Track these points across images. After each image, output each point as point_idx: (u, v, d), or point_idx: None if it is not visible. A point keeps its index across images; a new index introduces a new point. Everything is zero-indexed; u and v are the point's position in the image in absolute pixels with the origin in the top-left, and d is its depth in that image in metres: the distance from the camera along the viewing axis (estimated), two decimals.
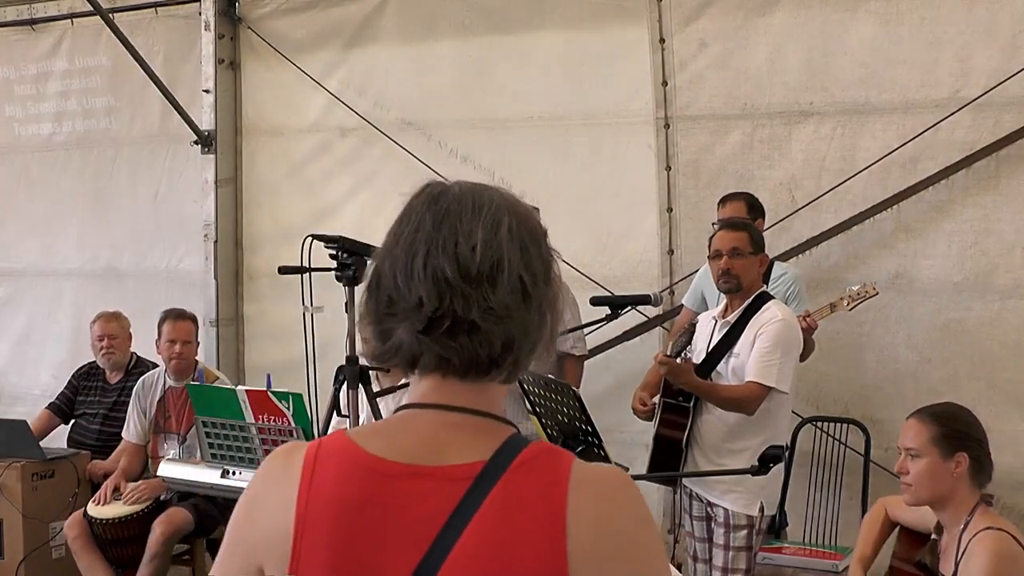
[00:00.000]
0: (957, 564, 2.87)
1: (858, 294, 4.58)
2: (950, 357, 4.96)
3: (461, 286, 1.24)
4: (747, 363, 3.97)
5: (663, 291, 5.43)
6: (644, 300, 4.41)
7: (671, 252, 5.56)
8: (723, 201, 4.89)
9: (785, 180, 5.28)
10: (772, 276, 4.73)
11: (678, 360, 3.92)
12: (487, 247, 1.26)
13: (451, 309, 1.24)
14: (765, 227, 5.21)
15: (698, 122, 5.48)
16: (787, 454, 4.17)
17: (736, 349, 4.05)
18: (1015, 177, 4.82)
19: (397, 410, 1.33)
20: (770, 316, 4.02)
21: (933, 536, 3.06)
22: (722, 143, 5.42)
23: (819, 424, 4.88)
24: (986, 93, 4.79)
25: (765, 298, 4.12)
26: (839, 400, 5.12)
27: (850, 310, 4.62)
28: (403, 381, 4.73)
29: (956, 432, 2.97)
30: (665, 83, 5.52)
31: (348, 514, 1.24)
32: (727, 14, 5.38)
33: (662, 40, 5.52)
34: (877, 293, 4.60)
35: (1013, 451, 4.58)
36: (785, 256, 5.19)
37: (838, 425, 4.87)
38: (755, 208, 4.83)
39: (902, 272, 5.05)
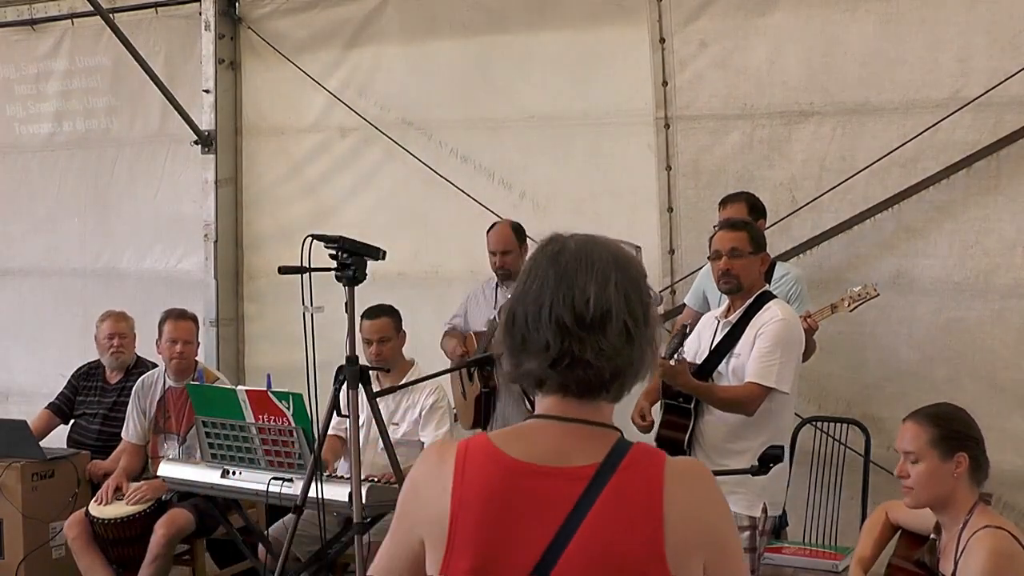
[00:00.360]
0: (956, 563, 2.87)
1: (859, 295, 4.58)
2: (951, 356, 4.96)
3: (578, 332, 1.55)
4: (747, 363, 3.96)
5: (664, 291, 5.44)
6: None
7: (672, 252, 5.56)
8: (724, 202, 4.88)
9: (785, 180, 5.28)
10: (774, 276, 4.72)
11: (672, 361, 3.89)
12: (598, 300, 1.56)
13: (570, 350, 1.56)
14: (766, 227, 5.22)
15: (698, 122, 5.48)
16: (789, 455, 4.16)
17: (737, 349, 4.04)
18: (1015, 177, 4.82)
19: (527, 419, 1.64)
20: (771, 316, 4.01)
21: (932, 536, 3.06)
22: (722, 143, 5.43)
23: (819, 424, 4.88)
24: (986, 93, 4.79)
25: (767, 298, 4.11)
26: (840, 399, 5.12)
27: (851, 311, 4.62)
28: (403, 382, 4.76)
29: (955, 433, 2.97)
30: (665, 83, 5.52)
31: (492, 504, 1.54)
32: (727, 14, 5.38)
33: (662, 40, 5.52)
34: (878, 294, 4.59)
35: (1013, 450, 4.58)
36: (786, 256, 5.19)
37: (838, 425, 4.87)
38: (756, 208, 4.82)
39: (903, 272, 5.05)
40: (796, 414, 4.96)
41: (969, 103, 4.82)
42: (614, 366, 1.57)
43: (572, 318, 1.55)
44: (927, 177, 4.96)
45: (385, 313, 4.93)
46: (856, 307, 4.59)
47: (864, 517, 4.49)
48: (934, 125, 4.89)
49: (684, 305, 5.13)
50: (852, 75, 5.13)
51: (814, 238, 5.19)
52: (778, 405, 4.00)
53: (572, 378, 1.57)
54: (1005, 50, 4.82)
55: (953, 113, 4.85)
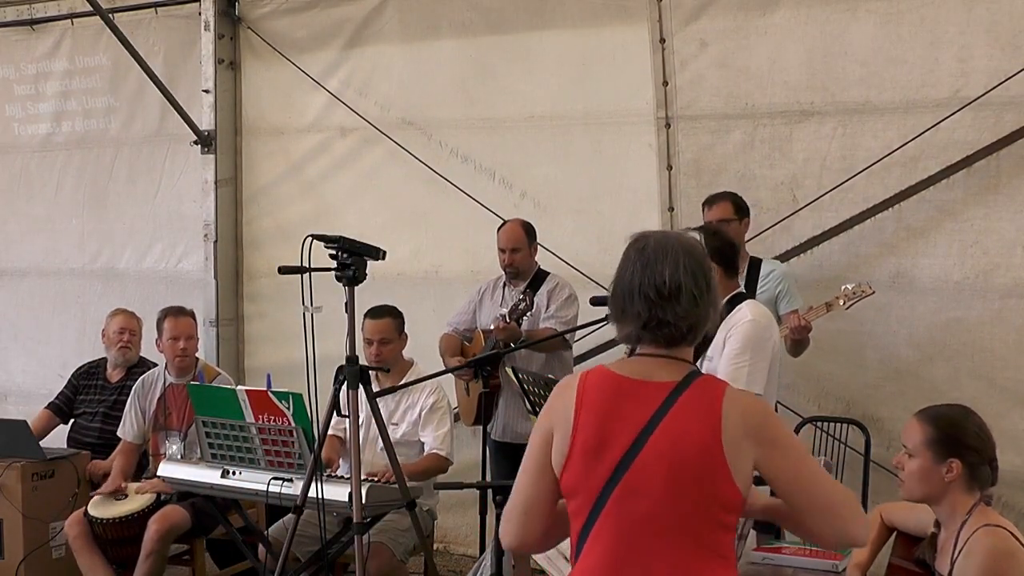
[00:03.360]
0: (953, 562, 2.87)
1: (854, 293, 4.59)
2: (951, 356, 4.96)
3: (660, 303, 2.19)
4: (718, 367, 3.95)
5: None
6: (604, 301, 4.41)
7: None
8: (708, 202, 4.90)
9: (786, 180, 5.28)
10: (761, 274, 4.73)
11: None
12: (672, 278, 2.19)
13: (656, 316, 2.20)
14: (766, 227, 5.23)
15: (699, 122, 5.48)
16: None
17: (709, 353, 4.01)
18: (1015, 177, 4.82)
19: (629, 354, 2.32)
20: (740, 317, 3.98)
21: (933, 530, 3.06)
22: (723, 143, 5.43)
23: (819, 424, 4.88)
24: (986, 93, 4.79)
25: (740, 299, 4.10)
26: (840, 399, 5.13)
27: (846, 309, 4.63)
28: (402, 382, 4.76)
29: (950, 438, 2.94)
30: (666, 83, 5.52)
31: (605, 402, 2.20)
32: (727, 14, 5.38)
33: (662, 40, 5.52)
34: (873, 292, 4.60)
35: (1013, 450, 4.57)
36: (786, 256, 5.20)
37: (838, 425, 4.87)
38: (741, 208, 4.84)
39: (903, 271, 5.06)
40: (796, 414, 4.97)
41: (969, 103, 4.82)
42: (688, 323, 2.21)
43: (655, 293, 2.19)
44: (927, 177, 4.96)
45: (388, 314, 4.91)
46: (851, 305, 4.60)
47: None
48: (934, 125, 4.89)
49: None
50: (852, 75, 5.13)
51: (815, 238, 5.19)
52: None
53: (661, 335, 2.21)
54: (1005, 50, 4.82)
55: (953, 113, 4.85)
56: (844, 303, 4.59)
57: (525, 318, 4.97)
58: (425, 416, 4.81)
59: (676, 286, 2.19)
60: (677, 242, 2.25)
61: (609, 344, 5.47)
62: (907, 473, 2.98)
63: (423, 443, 4.80)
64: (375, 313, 4.89)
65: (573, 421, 2.20)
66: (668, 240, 2.26)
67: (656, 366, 2.23)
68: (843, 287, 4.63)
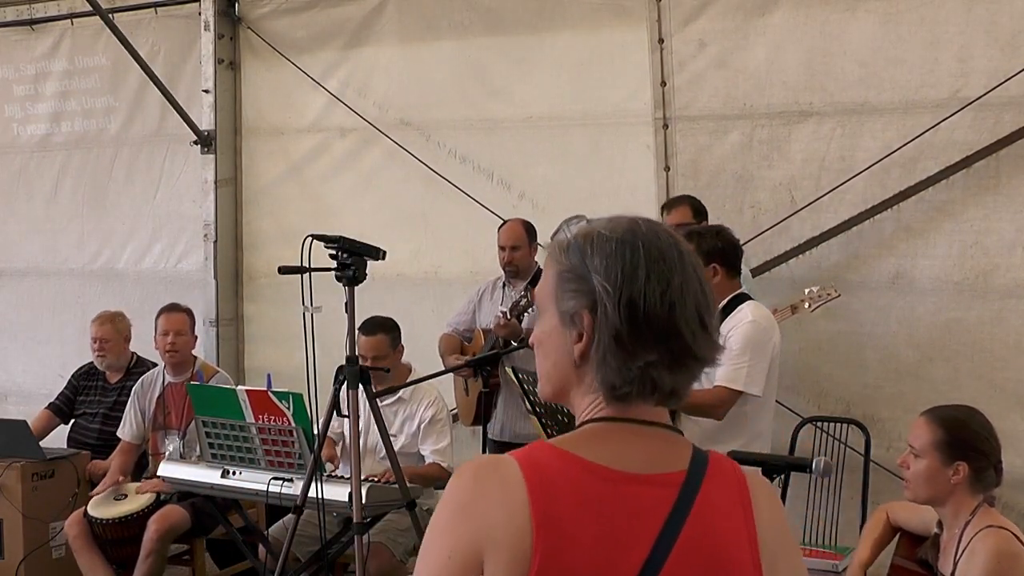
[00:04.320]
0: (956, 563, 2.87)
1: (819, 295, 4.60)
2: (951, 356, 4.96)
3: (701, 333, 1.52)
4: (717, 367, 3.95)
5: None
6: None
7: None
8: (667, 207, 4.92)
9: (785, 180, 5.28)
10: None
11: None
12: (710, 301, 1.55)
13: (689, 352, 1.50)
14: (765, 228, 5.23)
15: (697, 122, 5.48)
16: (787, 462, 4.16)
17: None
18: (1015, 177, 4.83)
19: (586, 423, 1.51)
20: (740, 318, 4.00)
21: (935, 531, 3.06)
22: (721, 143, 5.43)
23: (819, 424, 4.88)
24: (986, 93, 4.79)
25: (742, 299, 4.10)
26: (840, 399, 5.13)
27: (812, 311, 4.63)
28: (403, 383, 4.75)
29: (959, 440, 2.94)
30: (664, 83, 5.52)
31: (583, 513, 1.41)
32: (726, 14, 5.38)
33: (661, 40, 5.52)
34: (839, 295, 4.62)
35: (1014, 450, 4.57)
36: (785, 257, 5.20)
37: (838, 425, 4.88)
38: (700, 212, 4.85)
39: (902, 272, 5.06)
40: (796, 414, 4.97)
41: (969, 103, 4.82)
42: (712, 363, 1.54)
43: (695, 317, 1.47)
44: (927, 177, 4.96)
45: (382, 330, 4.81)
46: (817, 307, 4.62)
47: (864, 517, 4.50)
48: (934, 126, 4.89)
49: None
50: (852, 75, 5.13)
51: (814, 238, 5.19)
52: (753, 408, 3.99)
53: (682, 379, 1.50)
54: (1005, 50, 4.82)
55: (953, 113, 4.85)
56: (809, 306, 4.60)
57: (526, 315, 4.97)
58: (425, 429, 4.79)
59: (711, 312, 1.51)
60: (684, 241, 1.55)
61: None
62: (913, 474, 2.98)
63: (423, 455, 4.79)
64: (368, 329, 4.78)
65: (532, 545, 1.38)
66: (674, 238, 1.54)
67: (652, 444, 1.49)
68: (807, 290, 4.64)
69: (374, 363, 4.74)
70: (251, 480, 4.36)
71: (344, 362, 3.90)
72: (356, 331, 4.11)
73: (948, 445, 2.92)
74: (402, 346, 4.90)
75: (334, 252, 3.85)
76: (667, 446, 1.51)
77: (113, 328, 5.67)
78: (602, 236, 1.49)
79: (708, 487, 1.48)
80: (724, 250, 4.12)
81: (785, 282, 5.17)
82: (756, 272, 5.09)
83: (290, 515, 4.13)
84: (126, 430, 5.29)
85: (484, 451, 5.13)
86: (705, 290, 1.50)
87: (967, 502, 2.93)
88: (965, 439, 2.93)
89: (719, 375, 3.92)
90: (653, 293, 1.44)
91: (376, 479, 4.34)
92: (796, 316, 4.66)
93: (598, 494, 1.43)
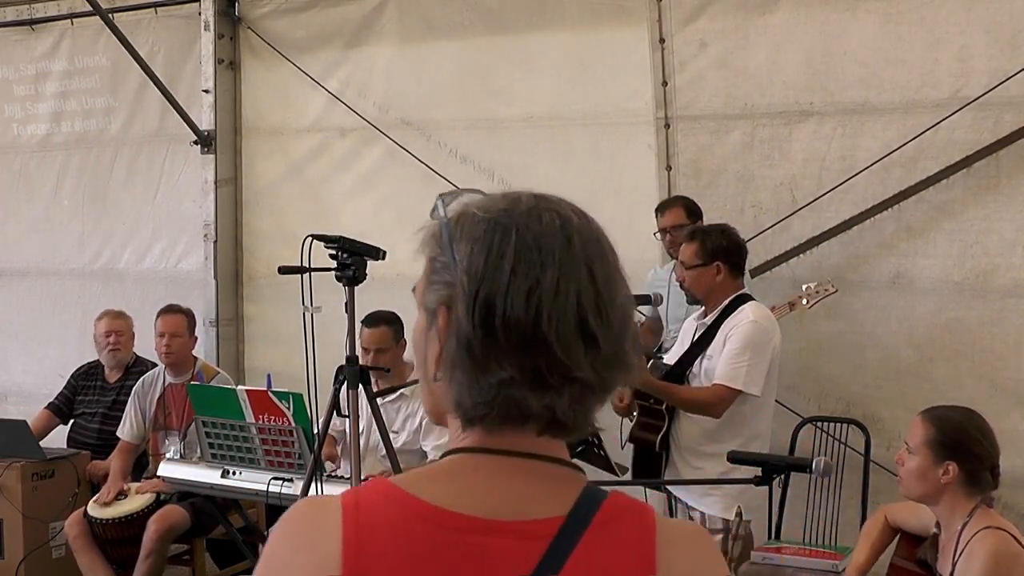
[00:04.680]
0: (955, 564, 2.87)
1: (816, 291, 4.61)
2: (951, 356, 4.95)
3: (605, 339, 1.20)
4: (717, 366, 3.96)
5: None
6: (644, 300, 4.42)
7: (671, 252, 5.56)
8: (661, 208, 4.94)
9: (785, 180, 5.28)
10: None
11: None
12: (618, 295, 1.23)
13: (561, 365, 1.19)
14: (766, 227, 5.23)
15: (698, 122, 5.47)
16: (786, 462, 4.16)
17: (709, 351, 4.04)
18: (1015, 177, 4.82)
19: (445, 454, 1.21)
20: (742, 317, 4.01)
21: (934, 531, 3.06)
22: (722, 143, 5.42)
23: (819, 424, 4.88)
24: (986, 93, 4.79)
25: (744, 299, 4.11)
26: (840, 399, 5.12)
27: (809, 308, 4.64)
28: (403, 383, 4.75)
29: (950, 441, 2.95)
30: (665, 83, 5.51)
31: (412, 570, 1.11)
32: (727, 14, 5.38)
33: (662, 40, 5.52)
34: (836, 290, 4.63)
35: (1014, 450, 4.57)
36: (786, 256, 5.20)
37: (838, 425, 4.87)
38: (694, 212, 4.86)
39: (903, 272, 5.05)
40: (796, 414, 4.97)
41: (969, 103, 4.82)
42: (608, 385, 1.18)
43: (598, 322, 1.15)
44: (927, 177, 4.95)
45: (385, 322, 4.82)
46: (814, 304, 4.63)
47: (864, 517, 4.50)
48: (934, 126, 4.88)
49: None
50: (852, 75, 5.13)
51: (814, 238, 5.19)
52: (751, 408, 3.99)
53: (561, 403, 1.14)
54: (1005, 50, 4.81)
55: (953, 113, 4.85)
56: (807, 302, 4.61)
57: None
58: (427, 425, 4.78)
59: (622, 311, 1.19)
60: (596, 224, 1.25)
61: None
62: (905, 470, 3.00)
63: (425, 452, 4.79)
64: (371, 321, 4.80)
65: None
66: (589, 220, 1.24)
67: (516, 481, 1.16)
68: (804, 287, 4.66)
69: (376, 356, 4.75)
70: (251, 480, 4.36)
71: (344, 362, 3.90)
72: (357, 328, 4.11)
73: (940, 444, 2.93)
74: (404, 340, 4.90)
75: (334, 252, 3.85)
76: (544, 486, 1.16)
77: (125, 323, 5.72)
78: (474, 217, 1.19)
79: (591, 541, 1.13)
80: (729, 249, 4.13)
81: (786, 281, 5.17)
82: (756, 272, 5.08)
83: None
84: (125, 430, 5.30)
85: None
86: (600, 290, 1.15)
87: (962, 503, 2.93)
88: (957, 440, 2.94)
89: (718, 373, 3.93)
90: (517, 292, 1.13)
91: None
92: (794, 313, 4.67)
93: (431, 546, 1.11)
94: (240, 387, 4.56)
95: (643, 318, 4.98)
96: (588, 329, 1.14)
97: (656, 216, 4.89)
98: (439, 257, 1.22)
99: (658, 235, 4.99)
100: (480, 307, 1.13)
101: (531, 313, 1.12)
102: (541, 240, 1.16)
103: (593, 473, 4.16)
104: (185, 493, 4.79)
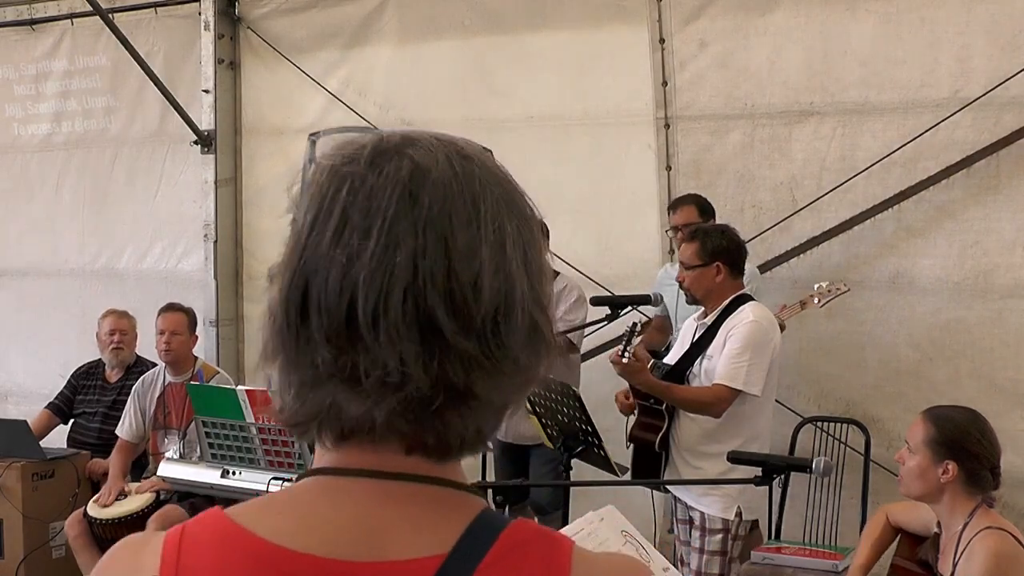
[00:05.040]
0: (955, 564, 2.87)
1: (828, 291, 4.61)
2: (951, 356, 4.96)
3: (458, 340, 0.93)
4: (717, 366, 3.96)
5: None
6: (644, 300, 4.42)
7: (671, 252, 5.55)
8: (673, 206, 4.92)
9: (786, 180, 5.28)
10: None
11: (625, 359, 3.88)
12: (496, 277, 0.96)
13: (440, 372, 0.93)
14: (766, 227, 5.23)
15: (698, 122, 5.47)
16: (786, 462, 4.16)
17: (709, 351, 4.04)
18: (1015, 177, 4.82)
19: (300, 477, 0.98)
20: (742, 317, 4.01)
21: (935, 531, 3.06)
22: (722, 143, 5.42)
23: (819, 424, 4.88)
24: (986, 93, 4.79)
25: (744, 300, 4.11)
26: (840, 399, 5.13)
27: (821, 307, 4.65)
28: None
29: (950, 440, 2.96)
30: (665, 83, 5.52)
31: None
32: (727, 14, 5.38)
33: (662, 40, 5.52)
34: (848, 290, 4.65)
35: (1014, 450, 4.57)
36: (786, 256, 5.20)
37: (838, 425, 4.88)
38: (706, 211, 4.84)
39: (903, 272, 5.06)
40: (796, 414, 4.97)
41: (969, 103, 4.82)
42: (506, 395, 0.91)
43: (448, 311, 0.88)
44: (927, 177, 4.95)
45: None
46: (826, 303, 4.64)
47: (864, 517, 4.50)
48: (934, 126, 4.89)
49: None
50: (852, 75, 5.13)
51: (814, 238, 5.19)
52: (751, 408, 3.99)
53: (397, 416, 0.88)
54: (1005, 50, 4.82)
55: (953, 114, 4.85)
56: (819, 301, 4.61)
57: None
58: None
59: (505, 297, 0.91)
60: (491, 176, 0.99)
61: (609, 344, 5.47)
62: (905, 469, 3.00)
63: None
64: None
65: None
66: (470, 168, 0.97)
67: (385, 509, 0.92)
68: (816, 285, 4.67)
69: None
70: (251, 480, 4.36)
71: None
72: None
73: (939, 444, 2.94)
74: None
75: None
76: (415, 514, 0.91)
77: (129, 323, 5.72)
78: (319, 166, 0.96)
79: None
80: (729, 249, 4.13)
81: (786, 281, 5.18)
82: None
83: None
84: (125, 428, 5.30)
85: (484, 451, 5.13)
86: (455, 267, 0.88)
87: (962, 502, 2.93)
88: (957, 440, 2.95)
89: (719, 373, 3.93)
90: (334, 265, 0.89)
91: None
92: (804, 312, 4.67)
93: None
94: (240, 387, 4.56)
95: (644, 318, 4.97)
96: (429, 319, 0.87)
97: (668, 213, 4.89)
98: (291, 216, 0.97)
99: (670, 232, 4.99)
100: (295, 284, 0.91)
101: (345, 297, 0.88)
102: (374, 198, 0.89)
103: (593, 473, 4.16)
104: (185, 493, 4.79)
